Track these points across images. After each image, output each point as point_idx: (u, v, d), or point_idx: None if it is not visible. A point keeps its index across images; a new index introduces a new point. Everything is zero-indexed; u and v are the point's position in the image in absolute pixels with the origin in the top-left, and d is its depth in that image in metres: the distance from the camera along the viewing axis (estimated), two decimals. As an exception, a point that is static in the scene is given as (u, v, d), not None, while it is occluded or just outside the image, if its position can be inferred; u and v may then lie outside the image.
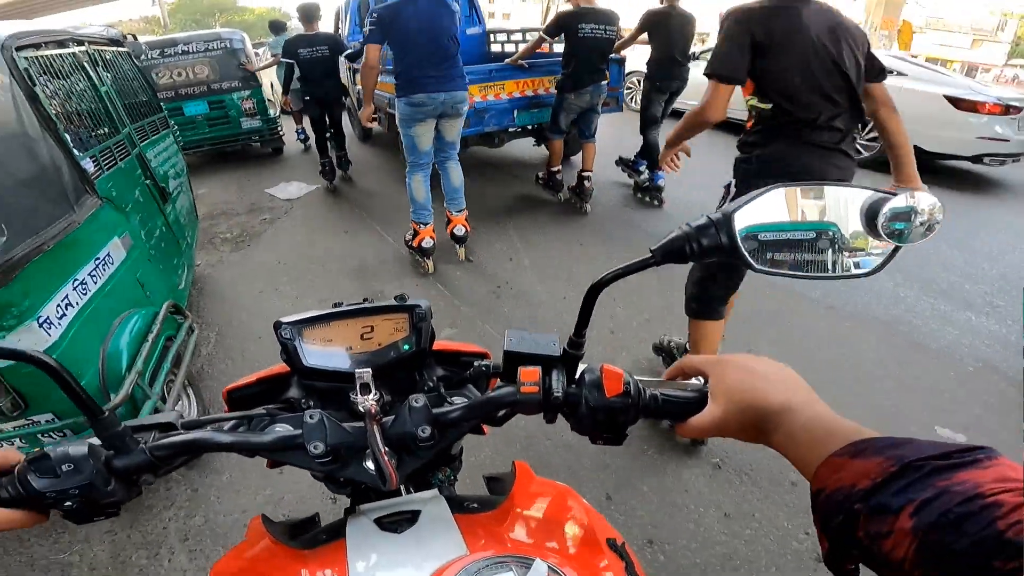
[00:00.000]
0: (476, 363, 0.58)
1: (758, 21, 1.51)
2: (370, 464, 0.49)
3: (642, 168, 4.21)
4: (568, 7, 3.45)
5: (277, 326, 0.54)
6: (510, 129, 4.04)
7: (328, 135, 4.78)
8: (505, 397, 0.50)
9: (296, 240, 3.83)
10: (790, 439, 0.39)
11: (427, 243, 3.03)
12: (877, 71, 1.60)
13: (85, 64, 2.02)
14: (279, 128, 6.05)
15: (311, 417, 0.48)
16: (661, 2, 3.76)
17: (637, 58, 5.17)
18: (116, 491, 0.44)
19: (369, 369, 0.49)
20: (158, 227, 2.27)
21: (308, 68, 4.39)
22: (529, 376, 0.48)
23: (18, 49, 1.52)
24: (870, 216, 0.42)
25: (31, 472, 0.42)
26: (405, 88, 2.78)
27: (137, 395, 1.45)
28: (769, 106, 1.57)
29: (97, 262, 1.57)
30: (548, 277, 3.06)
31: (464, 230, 3.16)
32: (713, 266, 1.72)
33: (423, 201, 3.02)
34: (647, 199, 4.11)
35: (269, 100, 5.93)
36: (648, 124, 4.02)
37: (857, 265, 0.45)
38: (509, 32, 5.43)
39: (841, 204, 0.44)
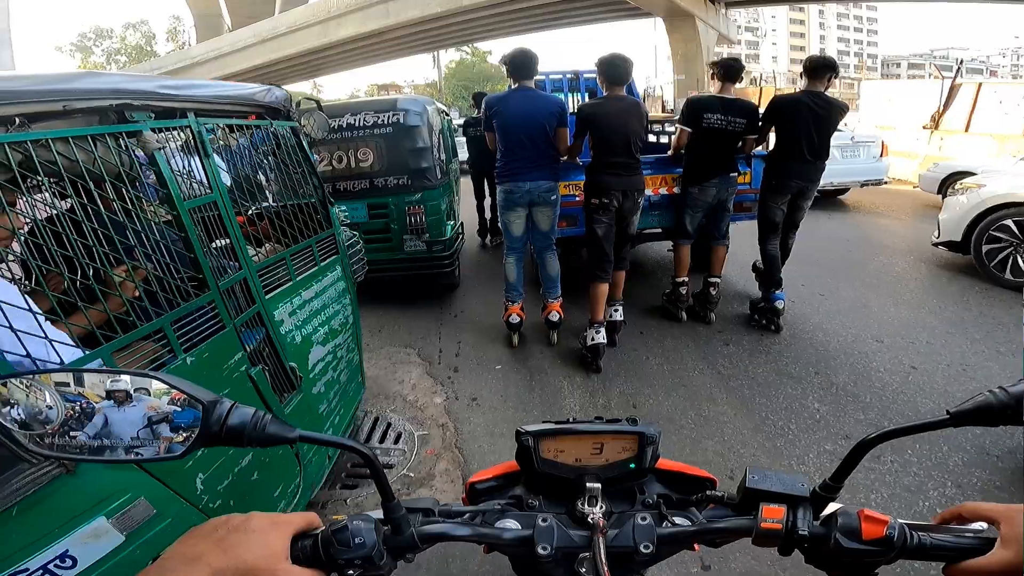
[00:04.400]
0: (707, 492, 0.59)
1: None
2: (583, 570, 0.52)
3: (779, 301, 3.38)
4: (699, 94, 3.33)
5: (519, 433, 0.60)
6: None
7: (485, 202, 5.65)
8: (741, 528, 0.52)
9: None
10: None
11: (514, 319, 3.26)
12: None
13: (163, 158, 1.15)
14: (455, 254, 4.09)
15: (543, 520, 0.54)
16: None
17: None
18: (385, 564, 0.50)
19: (599, 484, 0.55)
20: (245, 456, 1.30)
21: (474, 144, 5.41)
22: (773, 514, 0.50)
23: None
24: None
25: (333, 539, 0.47)
26: (501, 176, 2.99)
27: None
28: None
29: None
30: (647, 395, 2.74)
31: (558, 316, 3.24)
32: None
33: (514, 282, 3.24)
34: (763, 321, 3.39)
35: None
36: (765, 233, 3.30)
37: None
38: (650, 122, 4.97)
39: None
